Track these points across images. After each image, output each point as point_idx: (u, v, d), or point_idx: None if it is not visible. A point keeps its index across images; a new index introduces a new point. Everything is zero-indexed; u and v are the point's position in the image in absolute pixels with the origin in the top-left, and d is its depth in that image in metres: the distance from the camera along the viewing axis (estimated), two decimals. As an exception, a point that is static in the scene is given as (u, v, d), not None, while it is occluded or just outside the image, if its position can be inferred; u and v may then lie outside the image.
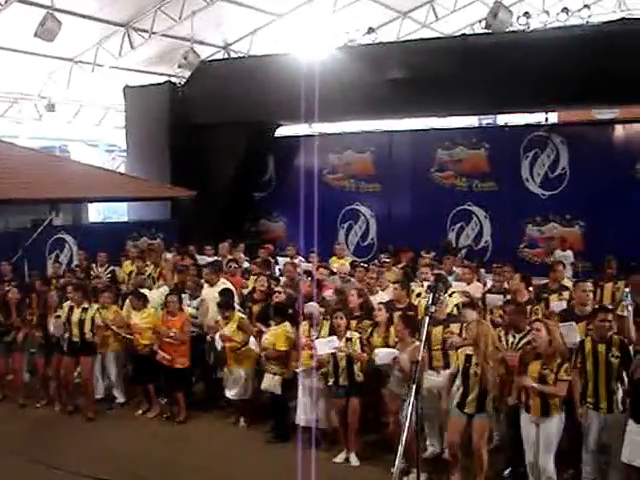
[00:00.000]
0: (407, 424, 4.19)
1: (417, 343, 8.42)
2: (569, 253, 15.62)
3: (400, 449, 4.21)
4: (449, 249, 16.07)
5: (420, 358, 4.34)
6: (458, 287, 11.27)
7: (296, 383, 9.94)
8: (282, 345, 10.01)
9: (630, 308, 8.68)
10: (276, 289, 11.31)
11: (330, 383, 9.32)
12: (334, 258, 14.83)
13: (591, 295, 9.23)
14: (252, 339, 10.51)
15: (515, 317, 8.75)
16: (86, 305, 11.28)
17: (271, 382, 10.07)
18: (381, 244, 18.64)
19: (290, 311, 10.43)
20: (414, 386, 4.21)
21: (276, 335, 10.10)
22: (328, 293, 11.05)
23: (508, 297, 10.13)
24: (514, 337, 8.57)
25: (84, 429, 10.72)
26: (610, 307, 8.92)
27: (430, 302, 4.51)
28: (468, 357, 8.09)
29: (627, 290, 9.33)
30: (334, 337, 9.20)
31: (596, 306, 8.97)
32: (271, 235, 20.64)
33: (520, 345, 8.41)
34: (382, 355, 9.06)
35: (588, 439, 7.95)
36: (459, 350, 8.38)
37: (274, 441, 9.93)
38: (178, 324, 10.89)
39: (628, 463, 7.20)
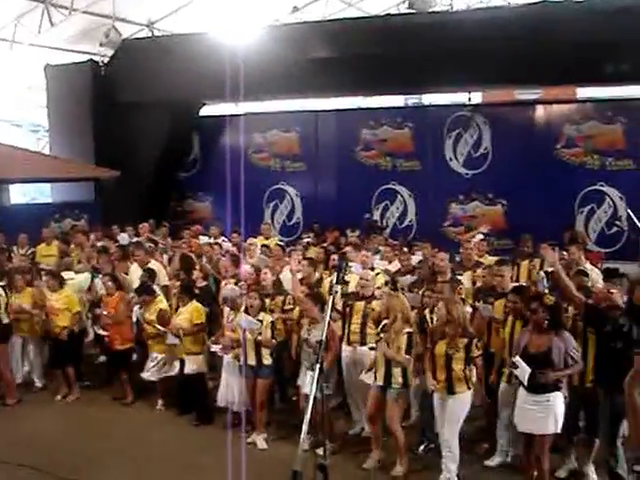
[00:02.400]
0: (310, 400, 4.22)
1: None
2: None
3: (306, 419, 4.25)
4: (374, 228, 16.16)
5: (324, 337, 4.37)
6: (380, 265, 11.42)
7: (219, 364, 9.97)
8: (198, 318, 10.01)
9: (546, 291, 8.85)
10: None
11: (240, 363, 9.34)
12: (261, 238, 14.80)
13: (506, 274, 9.36)
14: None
15: (442, 294, 8.85)
16: None
17: (196, 363, 10.03)
18: (307, 223, 18.67)
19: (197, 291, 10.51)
20: (317, 365, 4.25)
21: (190, 311, 10.09)
22: (244, 270, 11.04)
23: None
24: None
25: (1, 416, 10.55)
26: (524, 285, 9.11)
27: (335, 281, 4.54)
28: (384, 327, 8.30)
29: (542, 274, 9.46)
30: (257, 322, 9.19)
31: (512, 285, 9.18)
32: (197, 215, 20.50)
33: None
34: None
35: (502, 412, 8.15)
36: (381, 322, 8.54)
37: (198, 424, 9.92)
38: (113, 304, 10.89)
39: (522, 431, 7.42)
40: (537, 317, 7.36)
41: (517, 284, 9.62)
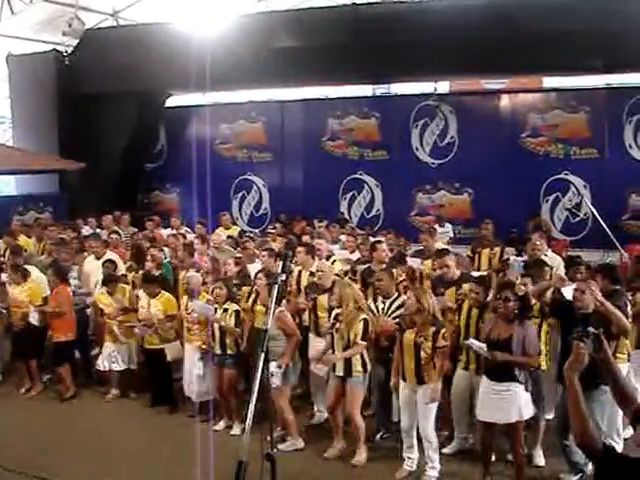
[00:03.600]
0: (255, 388, 4.19)
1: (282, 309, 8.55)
2: (448, 227, 15.88)
3: (250, 409, 4.22)
4: (338, 220, 16.14)
5: (269, 326, 4.34)
6: (341, 255, 11.41)
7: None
8: (172, 309, 9.96)
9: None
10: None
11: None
12: (221, 229, 14.74)
13: (451, 264, 9.35)
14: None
15: (382, 282, 8.83)
16: None
17: (175, 350, 9.97)
18: (274, 214, 18.68)
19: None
20: (262, 354, 4.22)
21: (165, 302, 10.03)
22: (202, 262, 10.94)
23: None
24: (383, 303, 8.67)
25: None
26: (485, 275, 9.10)
27: (280, 270, 4.50)
28: (337, 316, 8.29)
29: (519, 260, 9.37)
30: (210, 307, 9.17)
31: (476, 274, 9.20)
32: (164, 207, 20.44)
33: (392, 310, 8.53)
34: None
35: (457, 400, 8.16)
36: (332, 312, 8.51)
37: (165, 410, 9.90)
38: (53, 297, 10.78)
39: (482, 420, 7.42)
40: (507, 306, 7.30)
41: (479, 274, 9.65)
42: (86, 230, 14.81)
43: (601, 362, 3.97)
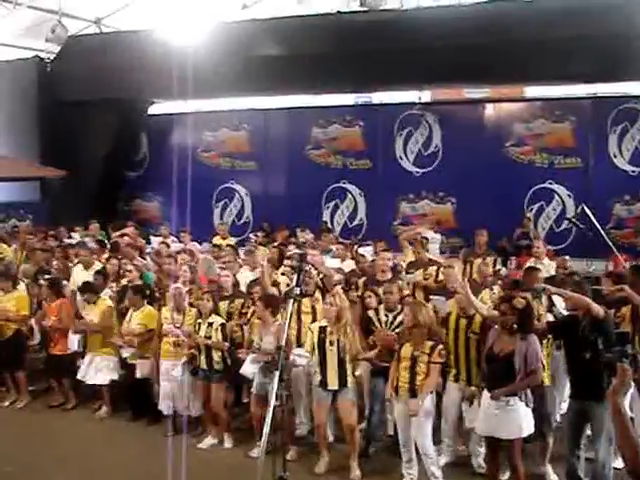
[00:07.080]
0: (271, 408, 4.11)
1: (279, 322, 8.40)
2: (437, 236, 15.76)
3: (266, 431, 4.13)
4: (324, 229, 16.07)
5: (284, 343, 4.25)
6: (333, 264, 11.32)
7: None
8: (152, 324, 9.78)
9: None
10: (127, 268, 10.99)
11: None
12: (217, 238, 14.61)
13: (455, 267, 9.31)
14: None
15: (390, 295, 8.74)
16: None
17: (147, 367, 9.80)
18: (257, 223, 18.59)
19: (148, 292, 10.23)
20: (277, 372, 4.12)
21: (145, 317, 9.87)
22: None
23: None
24: (387, 316, 8.58)
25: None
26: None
27: (295, 283, 4.40)
28: (322, 329, 8.11)
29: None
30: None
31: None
32: (145, 215, 20.28)
33: (396, 323, 8.42)
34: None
35: (448, 411, 8.08)
36: (312, 324, 8.40)
37: (148, 425, 9.72)
38: (56, 310, 10.50)
39: (485, 435, 7.34)
40: (505, 320, 7.23)
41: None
42: (69, 238, 14.61)
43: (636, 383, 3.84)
